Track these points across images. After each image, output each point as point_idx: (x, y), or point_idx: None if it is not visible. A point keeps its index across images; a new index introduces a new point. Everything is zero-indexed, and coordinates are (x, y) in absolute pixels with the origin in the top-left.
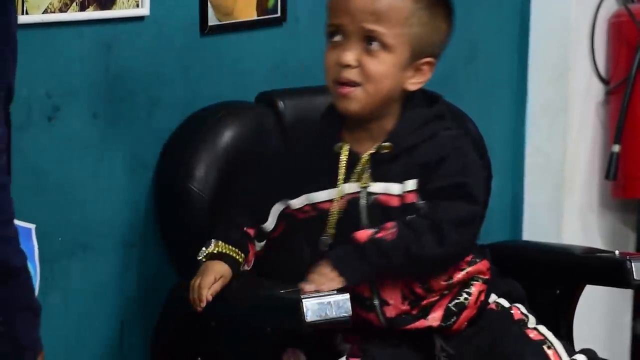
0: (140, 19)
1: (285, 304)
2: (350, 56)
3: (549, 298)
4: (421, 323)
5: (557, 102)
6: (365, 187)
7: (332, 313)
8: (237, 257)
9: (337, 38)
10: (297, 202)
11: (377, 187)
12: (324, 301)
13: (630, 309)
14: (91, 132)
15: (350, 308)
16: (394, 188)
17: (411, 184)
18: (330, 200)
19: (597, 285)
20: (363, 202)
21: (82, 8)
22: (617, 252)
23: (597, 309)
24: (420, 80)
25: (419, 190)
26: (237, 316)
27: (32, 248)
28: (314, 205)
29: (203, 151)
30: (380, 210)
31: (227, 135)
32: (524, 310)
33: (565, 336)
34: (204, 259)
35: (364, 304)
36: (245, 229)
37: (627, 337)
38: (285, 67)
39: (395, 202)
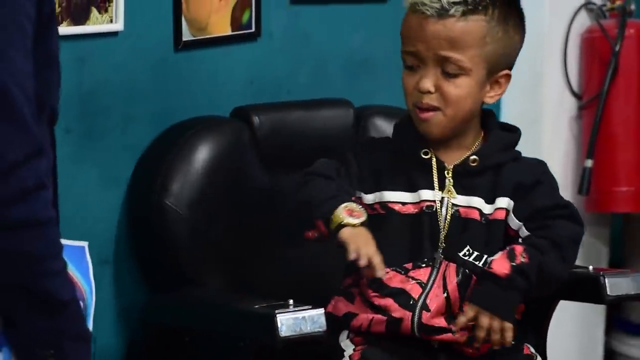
0: (114, 34)
1: (259, 319)
2: (428, 83)
3: (522, 313)
4: (448, 336)
5: (530, 116)
6: (448, 197)
7: (307, 328)
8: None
9: (413, 64)
10: (370, 198)
11: (460, 199)
12: (299, 316)
13: (604, 324)
14: (64, 147)
15: (324, 323)
16: (477, 202)
17: (503, 202)
18: (402, 203)
19: (571, 301)
20: (444, 211)
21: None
22: (590, 267)
23: (570, 324)
24: (498, 93)
25: (514, 211)
26: (211, 330)
27: (87, 266)
28: (383, 204)
29: (178, 167)
30: (461, 222)
31: (202, 151)
32: (533, 350)
33: (539, 351)
34: (358, 224)
35: (405, 302)
36: (355, 199)
37: (600, 352)
38: (259, 82)
39: (476, 216)
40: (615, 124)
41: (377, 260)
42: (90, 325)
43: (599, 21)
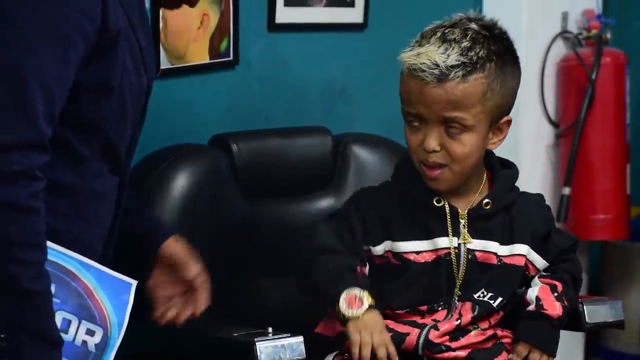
0: None
1: (239, 347)
2: (433, 143)
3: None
4: (449, 354)
5: (508, 144)
6: (465, 243)
7: (286, 356)
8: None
9: (416, 123)
10: (379, 249)
11: (475, 244)
12: (278, 344)
13: (583, 351)
14: None
15: (304, 351)
16: (493, 246)
17: (522, 249)
18: (417, 252)
19: None
20: (461, 257)
21: None
22: None
23: None
24: (500, 138)
25: (541, 253)
26: (190, 359)
27: (126, 302)
28: (397, 255)
29: (156, 194)
30: (478, 267)
31: (181, 178)
32: None
33: None
34: (363, 313)
35: (417, 325)
36: (360, 269)
37: None
38: (237, 110)
39: (493, 260)
40: (592, 152)
41: (392, 348)
42: (111, 359)
43: (576, 49)
